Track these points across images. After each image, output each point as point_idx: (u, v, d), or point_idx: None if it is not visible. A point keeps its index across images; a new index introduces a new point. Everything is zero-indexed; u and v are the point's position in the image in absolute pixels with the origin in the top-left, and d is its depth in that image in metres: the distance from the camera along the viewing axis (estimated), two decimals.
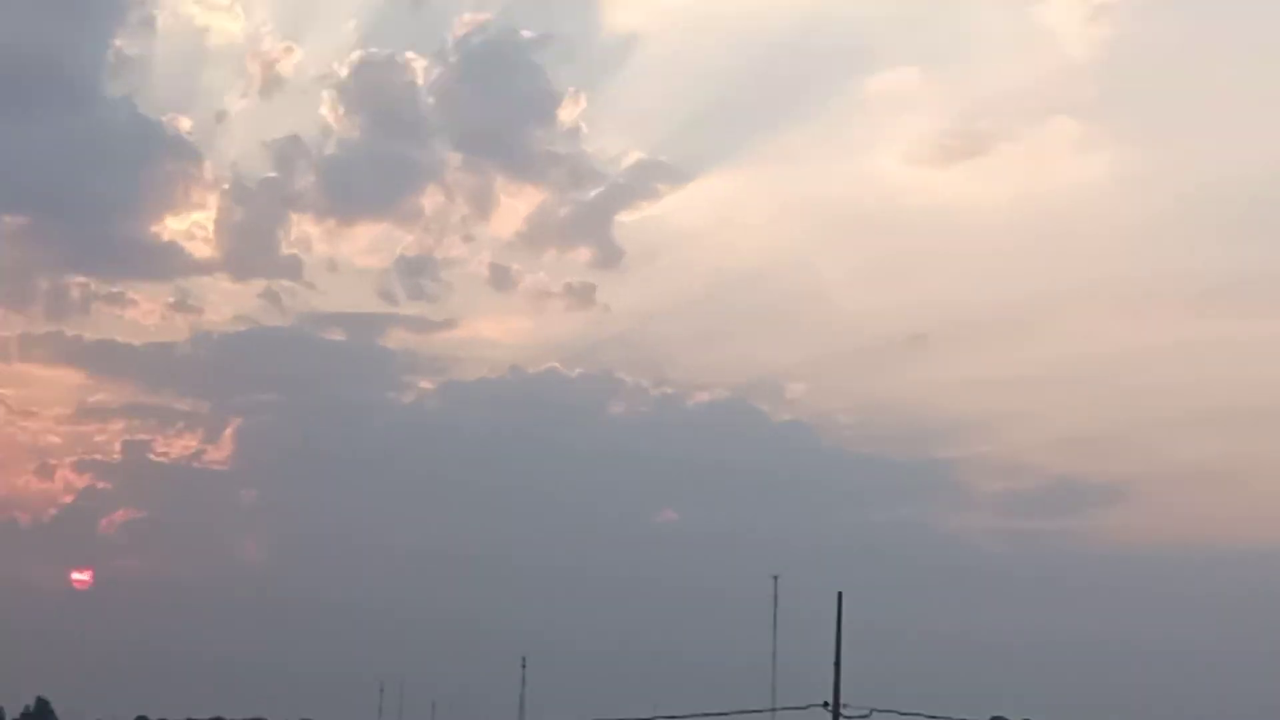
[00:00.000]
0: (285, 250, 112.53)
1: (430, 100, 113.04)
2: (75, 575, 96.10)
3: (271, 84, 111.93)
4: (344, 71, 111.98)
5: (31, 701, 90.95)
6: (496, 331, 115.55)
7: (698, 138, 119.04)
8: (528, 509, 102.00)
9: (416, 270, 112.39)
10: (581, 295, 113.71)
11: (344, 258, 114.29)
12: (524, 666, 73.19)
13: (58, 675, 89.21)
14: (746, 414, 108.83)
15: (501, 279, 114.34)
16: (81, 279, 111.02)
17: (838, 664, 39.25)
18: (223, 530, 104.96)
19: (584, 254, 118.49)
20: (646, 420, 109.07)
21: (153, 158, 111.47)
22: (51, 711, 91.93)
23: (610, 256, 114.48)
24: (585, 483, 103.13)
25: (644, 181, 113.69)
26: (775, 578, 61.69)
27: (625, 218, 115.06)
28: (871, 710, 38.76)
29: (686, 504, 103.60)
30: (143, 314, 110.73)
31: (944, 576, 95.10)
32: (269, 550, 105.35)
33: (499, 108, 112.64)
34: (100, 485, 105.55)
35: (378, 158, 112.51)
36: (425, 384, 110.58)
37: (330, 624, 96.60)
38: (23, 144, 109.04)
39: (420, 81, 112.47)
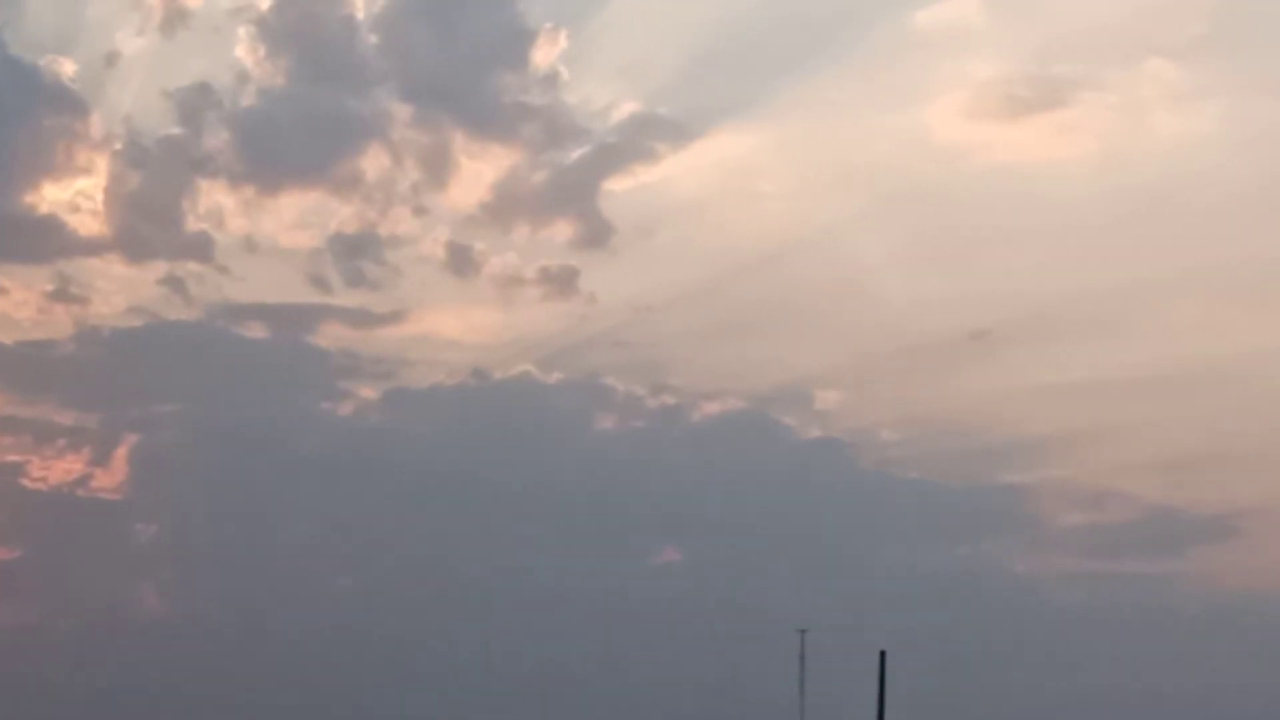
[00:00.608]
0: (192, 226, 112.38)
1: (373, 39, 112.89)
2: None
3: (174, 19, 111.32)
4: (265, 3, 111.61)
5: None
6: (456, 327, 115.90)
7: (705, 86, 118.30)
8: (493, 551, 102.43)
9: (356, 251, 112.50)
10: (561, 282, 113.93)
11: (265, 235, 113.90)
12: None
13: None
14: (767, 429, 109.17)
15: (461, 262, 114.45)
16: None
17: None
18: (113, 574, 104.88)
19: (564, 230, 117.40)
20: (642, 437, 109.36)
21: (27, 111, 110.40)
22: None
23: (597, 234, 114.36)
24: (566, 515, 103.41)
25: (638, 140, 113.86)
26: (803, 632, 61.23)
27: (615, 185, 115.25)
28: None
29: (692, 541, 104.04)
30: (14, 305, 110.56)
31: (1011, 630, 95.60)
32: (171, 598, 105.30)
33: (457, 48, 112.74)
34: None
35: (307, 111, 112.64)
36: (367, 392, 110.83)
37: (247, 684, 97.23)
38: None
39: (360, 15, 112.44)
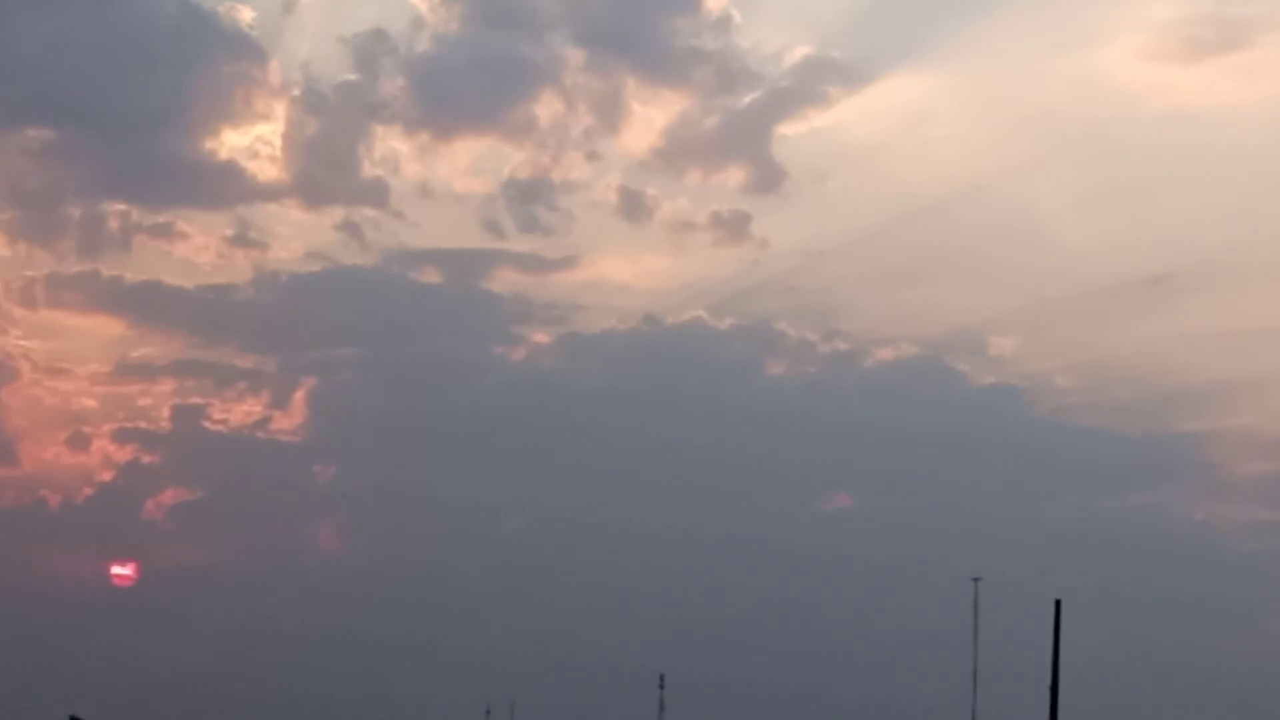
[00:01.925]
0: (368, 171, 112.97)
1: None
2: (115, 569, 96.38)
3: None
4: None
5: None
6: (627, 272, 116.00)
7: (880, 29, 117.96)
8: (665, 495, 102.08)
9: (529, 196, 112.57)
10: (733, 227, 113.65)
11: (440, 181, 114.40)
12: (661, 686, 73.49)
13: (93, 689, 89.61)
14: (940, 376, 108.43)
15: (634, 207, 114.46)
16: (121, 206, 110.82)
17: (1054, 688, 39.60)
18: (292, 515, 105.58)
19: (736, 175, 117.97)
20: (814, 384, 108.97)
21: (207, 57, 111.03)
22: None
23: (769, 179, 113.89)
24: (737, 463, 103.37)
25: (811, 84, 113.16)
26: (976, 581, 60.63)
27: (788, 130, 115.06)
28: None
29: (863, 488, 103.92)
30: (195, 249, 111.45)
31: (1190, 580, 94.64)
32: (348, 539, 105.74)
33: None
34: (145, 459, 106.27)
35: (481, 56, 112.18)
36: (540, 337, 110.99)
37: (421, 635, 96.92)
38: (49, 41, 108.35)
39: None
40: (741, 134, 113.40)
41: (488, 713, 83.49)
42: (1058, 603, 38.49)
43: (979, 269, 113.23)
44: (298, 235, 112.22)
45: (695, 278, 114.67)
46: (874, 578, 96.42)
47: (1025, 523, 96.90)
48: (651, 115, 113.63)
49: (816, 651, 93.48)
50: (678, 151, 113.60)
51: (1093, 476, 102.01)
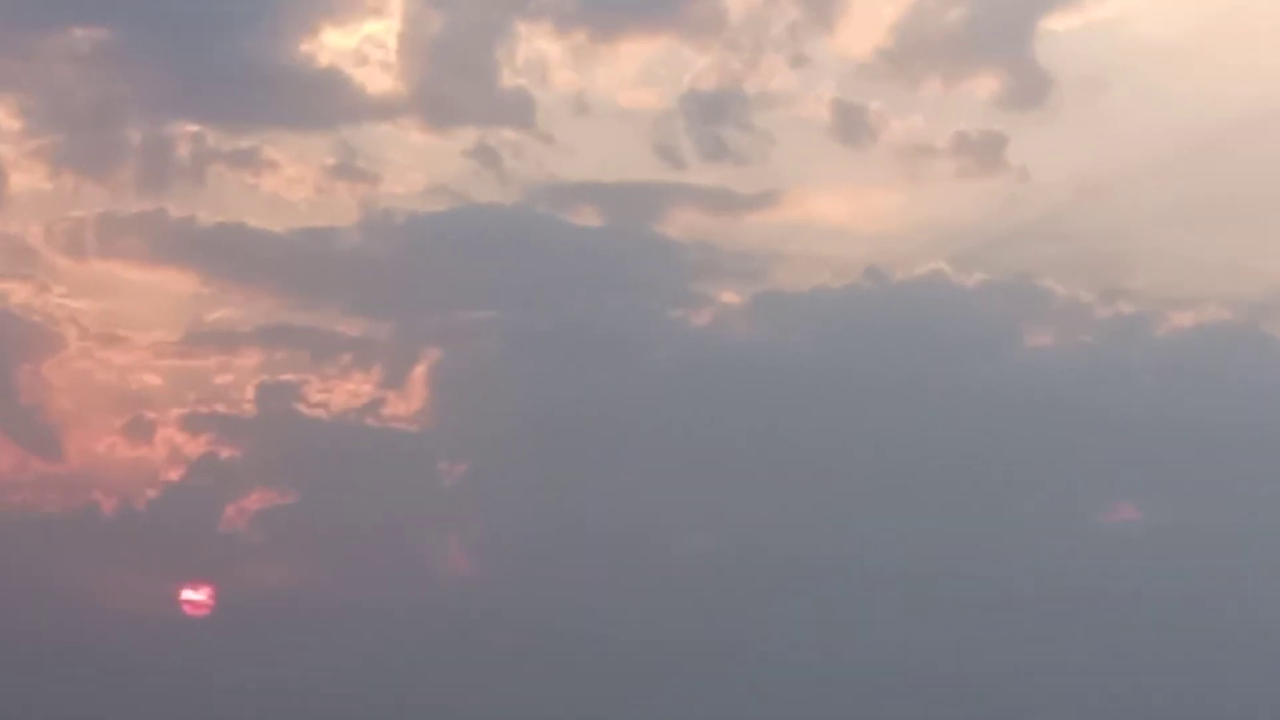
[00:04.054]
0: (508, 82, 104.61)
1: None
2: (186, 594, 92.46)
3: None
4: None
5: None
6: (844, 212, 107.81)
7: None
8: (893, 507, 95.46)
9: (715, 113, 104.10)
10: (983, 153, 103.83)
11: (600, 94, 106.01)
12: None
13: None
14: (1258, 347, 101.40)
15: (852, 126, 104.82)
16: (193, 128, 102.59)
17: None
18: (411, 526, 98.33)
19: (987, 85, 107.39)
20: (1089, 357, 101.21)
21: None
22: None
23: (1030, 89, 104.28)
24: (988, 459, 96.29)
25: None
26: None
27: (1055, 24, 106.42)
28: None
29: (1156, 493, 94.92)
30: (288, 182, 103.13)
31: None
32: (483, 557, 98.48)
33: None
34: (223, 454, 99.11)
35: None
36: (729, 296, 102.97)
37: (573, 687, 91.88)
38: None
39: None
40: (994, 30, 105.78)
41: None
42: None
43: None
44: (418, 164, 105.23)
45: (933, 219, 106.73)
46: (1170, 615, 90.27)
47: None
48: (876, 7, 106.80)
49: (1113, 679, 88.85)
50: (910, 54, 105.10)
51: None
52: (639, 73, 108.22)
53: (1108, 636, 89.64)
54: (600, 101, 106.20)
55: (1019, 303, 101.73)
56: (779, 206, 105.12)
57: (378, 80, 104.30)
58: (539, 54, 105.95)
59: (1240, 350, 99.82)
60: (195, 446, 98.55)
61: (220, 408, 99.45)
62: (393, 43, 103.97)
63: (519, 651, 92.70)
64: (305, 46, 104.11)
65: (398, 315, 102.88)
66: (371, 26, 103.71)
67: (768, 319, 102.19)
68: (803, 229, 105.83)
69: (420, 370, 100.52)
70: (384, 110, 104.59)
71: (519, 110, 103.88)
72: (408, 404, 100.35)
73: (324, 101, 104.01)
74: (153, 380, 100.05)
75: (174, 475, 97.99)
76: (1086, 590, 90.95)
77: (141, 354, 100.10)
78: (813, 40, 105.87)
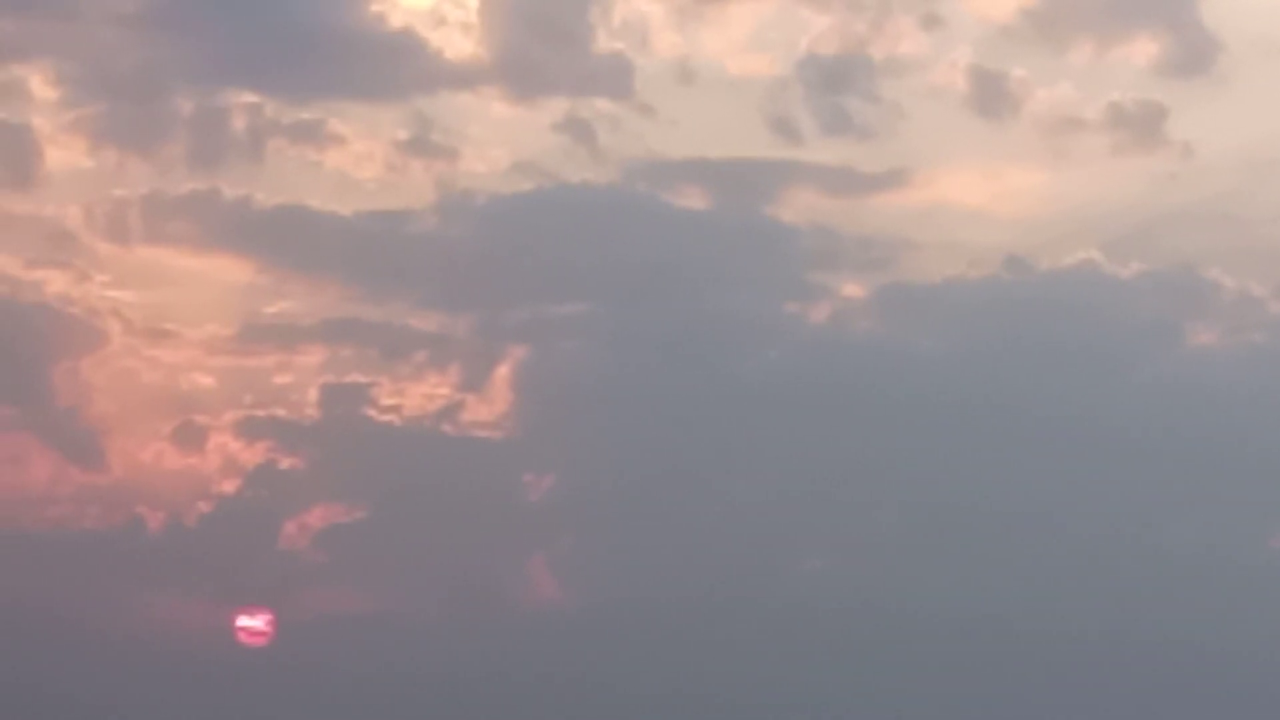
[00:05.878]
0: (603, 46, 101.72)
1: None
2: (241, 620, 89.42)
3: None
4: None
5: None
6: (982, 194, 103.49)
7: None
8: (1034, 527, 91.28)
9: (837, 81, 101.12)
10: (1140, 126, 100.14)
11: (707, 60, 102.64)
12: None
13: None
14: None
15: (992, 97, 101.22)
16: (250, 98, 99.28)
17: None
18: (492, 544, 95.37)
19: (1145, 50, 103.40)
20: (1262, 357, 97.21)
21: None
22: None
23: (1195, 54, 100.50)
24: (1144, 475, 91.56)
25: None
26: None
27: None
28: None
29: None
30: (355, 159, 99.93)
31: None
32: (573, 579, 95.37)
33: None
34: (283, 463, 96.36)
35: None
36: (851, 288, 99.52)
37: (675, 695, 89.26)
38: None
39: None
40: None
41: None
42: None
43: None
44: (501, 139, 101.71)
45: (1083, 201, 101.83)
46: None
47: None
48: None
49: None
50: (1057, 15, 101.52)
51: None
52: (750, 36, 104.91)
53: None
54: (707, 68, 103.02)
55: (1181, 296, 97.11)
56: (908, 187, 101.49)
57: (456, 44, 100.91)
58: (638, 15, 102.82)
59: None
60: (252, 455, 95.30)
61: (280, 412, 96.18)
62: (473, 2, 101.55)
63: (612, 685, 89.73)
64: (376, 6, 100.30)
65: (478, 309, 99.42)
66: None
67: (895, 314, 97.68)
68: (935, 213, 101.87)
69: (503, 371, 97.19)
70: (463, 78, 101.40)
71: (615, 78, 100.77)
72: (489, 408, 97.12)
73: (396, 68, 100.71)
74: (204, 381, 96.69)
75: (228, 487, 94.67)
76: (1260, 619, 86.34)
77: (192, 351, 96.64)
78: (947, 0, 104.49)
